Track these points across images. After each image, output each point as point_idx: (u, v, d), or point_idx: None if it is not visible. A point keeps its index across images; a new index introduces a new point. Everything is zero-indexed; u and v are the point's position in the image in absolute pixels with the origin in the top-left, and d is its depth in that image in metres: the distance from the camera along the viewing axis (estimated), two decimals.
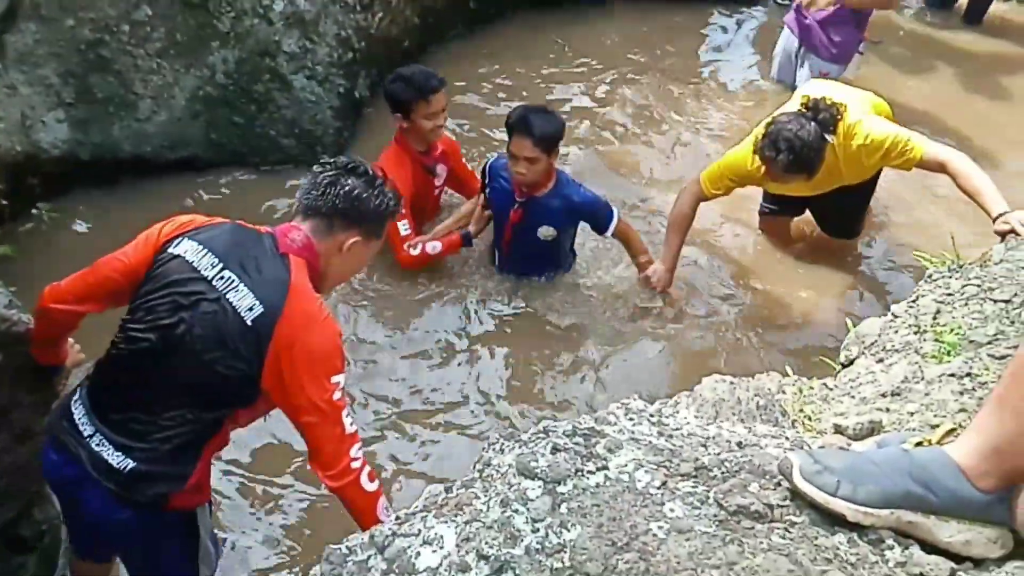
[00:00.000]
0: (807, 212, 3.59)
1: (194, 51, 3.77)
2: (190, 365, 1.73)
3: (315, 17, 3.97)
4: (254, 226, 1.89)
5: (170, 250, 1.79)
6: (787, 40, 4.56)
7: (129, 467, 1.74)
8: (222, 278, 1.74)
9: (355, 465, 1.79)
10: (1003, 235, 2.36)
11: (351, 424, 1.80)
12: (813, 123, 2.76)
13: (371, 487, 1.82)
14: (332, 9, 4.05)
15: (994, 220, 2.42)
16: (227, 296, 1.73)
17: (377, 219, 1.92)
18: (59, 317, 1.92)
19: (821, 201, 3.29)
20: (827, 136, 2.77)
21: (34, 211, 3.53)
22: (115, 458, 1.75)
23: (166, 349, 1.74)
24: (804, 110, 2.83)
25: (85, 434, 1.77)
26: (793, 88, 4.47)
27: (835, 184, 3.07)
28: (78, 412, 1.80)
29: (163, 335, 1.74)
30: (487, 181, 3.26)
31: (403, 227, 3.20)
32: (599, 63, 4.94)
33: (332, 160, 1.93)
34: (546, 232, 3.16)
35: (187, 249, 1.78)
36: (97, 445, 1.76)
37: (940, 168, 2.76)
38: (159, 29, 3.68)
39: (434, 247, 3.29)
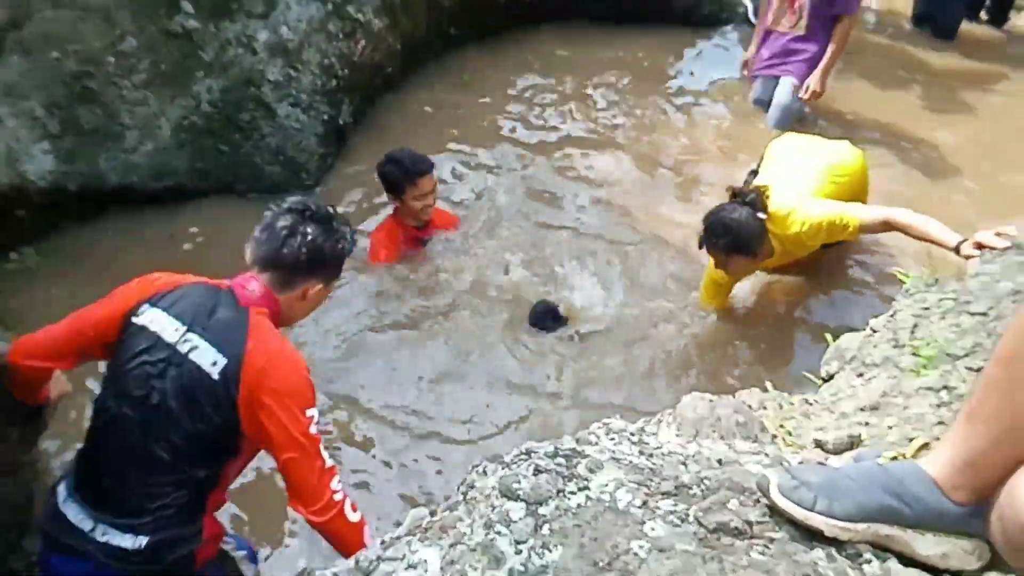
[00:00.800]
0: None
1: (179, 81, 3.80)
2: (171, 429, 1.75)
3: (298, 46, 4.02)
4: (216, 281, 1.91)
5: (135, 321, 1.81)
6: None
7: (144, 543, 1.75)
8: (186, 341, 1.78)
9: (337, 498, 1.80)
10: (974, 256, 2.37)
11: (328, 457, 1.81)
12: (744, 207, 2.97)
13: (355, 518, 1.83)
14: (315, 38, 4.10)
15: (956, 251, 2.44)
16: (191, 356, 1.76)
17: (336, 263, 1.98)
18: (30, 374, 1.94)
19: None
20: (760, 214, 2.97)
21: (17, 254, 3.55)
22: (126, 540, 1.75)
23: (145, 419, 1.76)
24: (733, 197, 3.04)
25: (86, 529, 1.76)
26: (770, 102, 4.58)
27: (790, 260, 3.26)
28: (71, 511, 1.79)
29: (140, 407, 1.76)
30: None
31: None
32: (576, 86, 5.01)
33: (286, 203, 1.94)
34: None
35: (152, 319, 1.81)
36: (103, 535, 1.75)
37: (885, 227, 2.89)
38: (144, 60, 3.71)
39: None
